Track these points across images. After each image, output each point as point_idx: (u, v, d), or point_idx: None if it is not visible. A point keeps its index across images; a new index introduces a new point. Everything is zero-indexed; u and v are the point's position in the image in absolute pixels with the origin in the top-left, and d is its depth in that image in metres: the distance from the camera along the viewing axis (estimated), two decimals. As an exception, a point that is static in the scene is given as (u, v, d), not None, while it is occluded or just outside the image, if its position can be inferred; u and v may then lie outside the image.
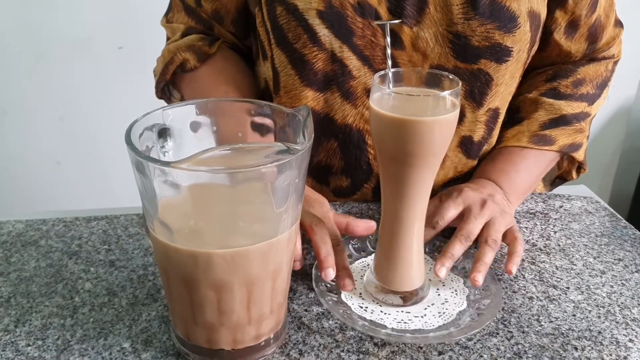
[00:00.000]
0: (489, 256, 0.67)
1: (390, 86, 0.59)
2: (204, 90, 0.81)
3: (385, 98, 0.58)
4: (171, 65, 0.84)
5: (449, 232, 0.72)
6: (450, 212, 0.71)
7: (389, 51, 0.59)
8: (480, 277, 0.64)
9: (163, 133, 0.56)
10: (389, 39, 0.58)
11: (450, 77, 0.59)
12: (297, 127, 0.53)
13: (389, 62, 0.59)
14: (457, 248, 0.67)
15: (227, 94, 0.80)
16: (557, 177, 0.91)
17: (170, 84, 0.88)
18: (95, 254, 0.73)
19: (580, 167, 0.88)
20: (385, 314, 0.63)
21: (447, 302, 0.65)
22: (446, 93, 0.56)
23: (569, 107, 0.82)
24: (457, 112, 0.57)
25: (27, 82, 1.72)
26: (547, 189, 0.92)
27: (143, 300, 0.65)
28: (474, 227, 0.69)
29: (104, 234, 0.77)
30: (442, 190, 0.84)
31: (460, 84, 0.57)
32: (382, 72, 0.60)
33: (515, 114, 0.84)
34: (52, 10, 1.65)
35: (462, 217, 0.71)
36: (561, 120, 0.81)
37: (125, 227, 0.79)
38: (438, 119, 0.56)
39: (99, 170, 1.77)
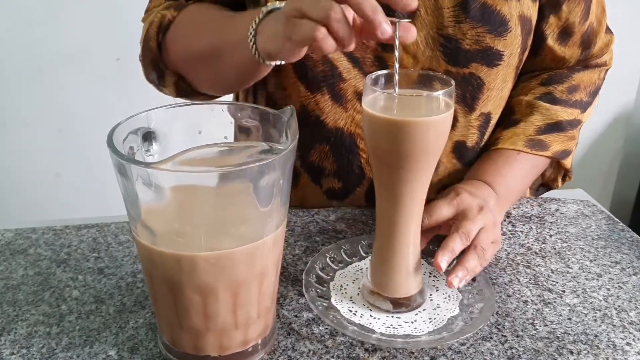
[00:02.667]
0: (472, 263, 0.65)
1: (397, 89, 0.58)
2: (190, 31, 0.77)
3: (378, 100, 0.57)
4: (151, 27, 0.78)
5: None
6: (442, 211, 0.68)
7: (397, 53, 0.57)
8: (457, 282, 0.63)
9: (148, 136, 0.55)
10: (397, 42, 0.56)
11: (444, 77, 0.58)
12: (281, 128, 0.52)
13: (397, 66, 0.57)
14: (458, 244, 0.65)
15: (205, 25, 0.75)
16: (542, 185, 0.89)
17: (160, 62, 0.80)
18: (84, 261, 0.72)
19: (565, 175, 0.87)
20: (374, 318, 0.62)
21: (438, 307, 0.63)
22: (440, 93, 0.56)
23: (564, 113, 0.80)
24: (451, 112, 0.56)
25: (26, 94, 1.72)
26: (531, 194, 0.90)
27: (131, 307, 0.64)
28: (472, 228, 0.67)
29: (94, 242, 0.76)
30: (437, 197, 0.84)
31: (454, 84, 0.57)
32: (375, 74, 0.59)
33: (510, 116, 0.82)
34: (49, 22, 1.66)
35: (456, 220, 0.69)
36: (556, 126, 0.80)
37: (116, 234, 0.78)
38: (432, 120, 0.55)
39: (97, 182, 1.76)
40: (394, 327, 0.60)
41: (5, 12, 1.65)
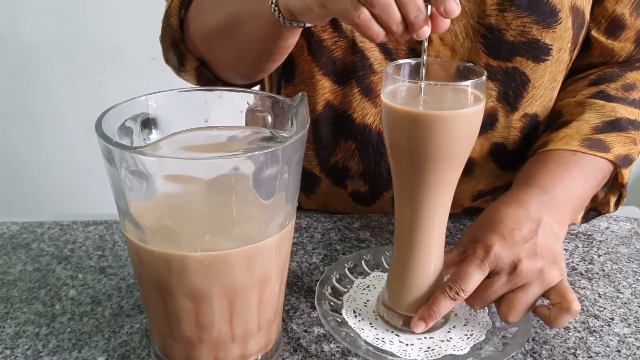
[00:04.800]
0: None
1: (423, 78, 0.51)
2: (205, 8, 0.70)
3: (398, 91, 0.51)
4: (174, 2, 0.72)
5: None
6: (474, 279, 0.54)
7: (425, 44, 0.51)
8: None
9: (147, 123, 0.50)
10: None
11: (476, 68, 0.51)
12: (290, 116, 0.46)
13: (424, 57, 0.51)
14: (445, 305, 0.54)
15: None
16: (592, 209, 0.76)
17: (180, 43, 0.74)
18: (87, 259, 0.68)
19: (621, 196, 0.73)
20: (373, 326, 0.56)
21: (448, 341, 0.55)
22: (467, 84, 0.49)
23: (623, 111, 0.69)
24: (480, 107, 0.49)
25: (60, 89, 1.72)
26: (581, 221, 0.77)
27: (128, 311, 0.59)
28: (493, 297, 0.55)
29: (100, 239, 0.71)
30: (472, 204, 0.76)
31: (485, 74, 0.50)
32: (396, 63, 0.53)
33: (558, 119, 0.71)
34: (86, 19, 1.65)
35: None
36: (616, 125, 0.68)
37: (124, 233, 0.73)
38: (457, 113, 0.48)
39: (128, 182, 1.74)
40: (382, 341, 0.54)
41: (44, 7, 1.65)
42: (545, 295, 0.54)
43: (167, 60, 0.76)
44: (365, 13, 0.47)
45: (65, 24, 1.68)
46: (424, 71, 0.51)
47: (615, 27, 0.70)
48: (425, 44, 0.51)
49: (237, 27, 0.64)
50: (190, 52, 0.73)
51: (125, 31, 1.65)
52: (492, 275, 0.54)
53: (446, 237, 0.72)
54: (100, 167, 1.73)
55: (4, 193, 1.84)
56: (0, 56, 1.74)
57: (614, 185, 0.71)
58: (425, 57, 0.51)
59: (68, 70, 1.73)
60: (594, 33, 0.71)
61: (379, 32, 0.48)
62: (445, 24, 0.48)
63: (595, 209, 0.75)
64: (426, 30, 0.48)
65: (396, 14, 0.47)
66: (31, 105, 1.80)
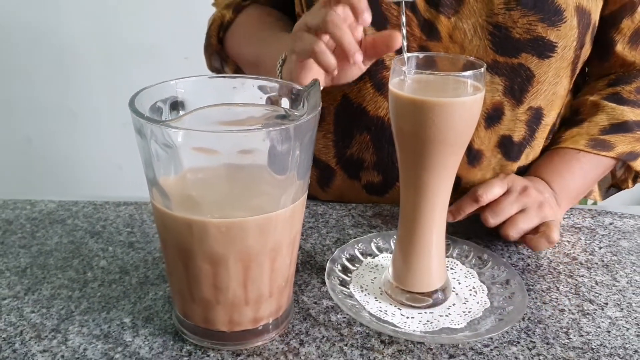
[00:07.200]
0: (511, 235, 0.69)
1: (412, 69, 0.57)
2: (243, 37, 0.84)
3: (403, 81, 0.55)
4: (212, 25, 0.88)
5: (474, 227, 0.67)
6: (496, 189, 0.70)
7: (404, 31, 0.57)
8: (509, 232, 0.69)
9: (175, 105, 0.55)
10: (404, 18, 0.56)
11: (477, 62, 0.55)
12: (303, 98, 0.51)
13: (405, 43, 0.57)
14: (467, 205, 0.71)
15: (253, 37, 0.82)
16: (612, 186, 0.86)
17: (219, 53, 0.90)
18: (117, 235, 0.73)
19: (637, 176, 0.83)
20: (370, 294, 0.61)
21: (446, 316, 0.59)
22: (466, 74, 0.53)
23: (631, 114, 0.77)
24: (478, 97, 0.54)
25: (96, 86, 1.80)
26: (601, 197, 0.88)
27: (153, 280, 0.64)
28: (506, 210, 0.69)
29: (130, 218, 0.77)
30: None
31: (485, 66, 0.54)
32: (402, 56, 0.57)
33: (575, 116, 0.81)
34: (121, 18, 1.73)
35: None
36: (623, 127, 0.77)
37: (152, 213, 0.78)
38: (457, 101, 0.52)
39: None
40: (385, 313, 0.58)
41: (83, 8, 1.73)
42: (537, 228, 0.68)
43: (211, 67, 0.91)
44: (320, 45, 0.58)
45: (103, 25, 1.76)
46: (406, 57, 0.57)
47: (637, 36, 0.76)
48: (404, 31, 0.58)
49: (260, 65, 0.77)
50: (230, 58, 0.88)
51: (159, 32, 1.72)
52: (506, 193, 0.70)
53: (451, 225, 0.77)
54: (131, 162, 1.79)
55: (41, 183, 1.93)
56: (43, 56, 1.83)
57: (630, 170, 0.81)
58: (405, 44, 0.58)
59: (105, 68, 1.81)
60: (618, 47, 0.77)
61: (329, 61, 0.59)
62: (395, 42, 0.59)
63: (615, 185, 0.85)
64: (358, 57, 0.59)
65: (346, 36, 0.58)
66: (71, 102, 1.88)
